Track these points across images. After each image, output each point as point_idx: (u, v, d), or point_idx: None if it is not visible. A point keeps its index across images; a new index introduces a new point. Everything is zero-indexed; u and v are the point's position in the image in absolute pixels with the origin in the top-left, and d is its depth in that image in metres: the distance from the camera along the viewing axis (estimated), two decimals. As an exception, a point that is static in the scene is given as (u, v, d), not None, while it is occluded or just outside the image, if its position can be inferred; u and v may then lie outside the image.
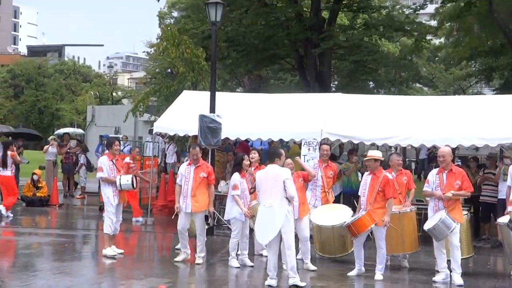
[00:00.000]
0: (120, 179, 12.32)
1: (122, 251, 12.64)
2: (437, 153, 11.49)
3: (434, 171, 11.43)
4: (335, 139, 15.56)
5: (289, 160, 11.60)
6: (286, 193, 10.20)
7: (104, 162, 12.41)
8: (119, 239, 13.78)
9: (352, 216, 11.66)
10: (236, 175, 12.07)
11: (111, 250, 12.37)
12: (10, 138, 22.40)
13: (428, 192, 11.17)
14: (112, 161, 12.49)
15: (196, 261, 11.99)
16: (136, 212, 17.27)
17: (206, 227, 12.56)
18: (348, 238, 12.17)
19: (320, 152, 13.73)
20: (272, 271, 10.34)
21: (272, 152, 10.94)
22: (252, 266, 11.90)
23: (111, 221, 12.34)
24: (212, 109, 15.57)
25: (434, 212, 11.07)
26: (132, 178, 12.43)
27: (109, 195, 12.38)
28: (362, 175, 12.98)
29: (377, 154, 11.59)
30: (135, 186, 12.63)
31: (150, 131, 19.35)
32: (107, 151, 12.69)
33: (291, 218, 10.41)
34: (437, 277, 11.10)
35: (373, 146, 16.68)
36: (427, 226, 10.97)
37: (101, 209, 19.16)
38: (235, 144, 18.52)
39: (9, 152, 17.36)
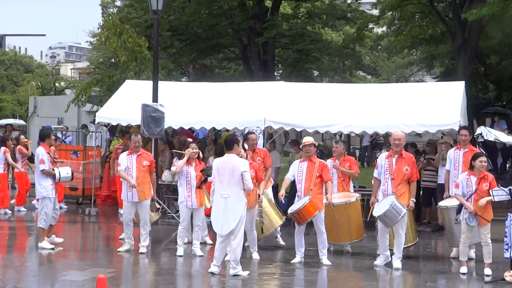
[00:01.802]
0: (59, 171, 12.17)
1: (61, 240, 12.52)
2: (392, 136, 11.57)
3: (383, 155, 11.58)
4: (278, 127, 15.66)
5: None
6: (244, 185, 10.24)
7: (43, 154, 12.22)
8: (60, 229, 13.68)
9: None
10: (179, 162, 12.05)
11: (47, 243, 12.23)
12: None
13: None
14: (48, 153, 12.34)
15: (140, 251, 11.98)
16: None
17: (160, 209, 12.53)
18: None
19: (249, 142, 13.42)
20: (217, 259, 10.40)
21: (229, 139, 10.77)
22: (201, 256, 11.86)
23: (46, 215, 12.19)
24: (155, 99, 15.49)
25: (384, 196, 11.19)
26: (72, 171, 12.32)
27: (48, 188, 12.21)
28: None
29: (313, 140, 11.70)
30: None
31: (93, 121, 19.16)
32: (41, 143, 12.44)
33: (244, 210, 10.45)
34: (378, 261, 11.31)
35: (317, 134, 16.87)
36: (377, 212, 11.04)
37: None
38: (176, 133, 18.49)
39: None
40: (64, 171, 12.28)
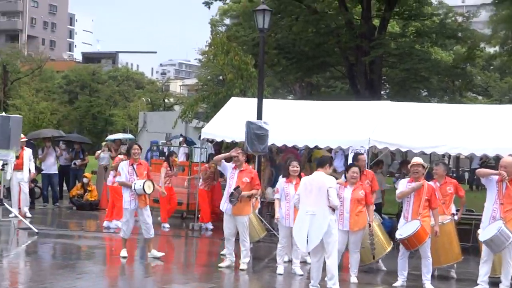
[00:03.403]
0: (135, 183, 12.46)
1: (162, 254, 12.78)
2: (500, 163, 11.09)
3: (494, 179, 11.09)
4: (383, 147, 15.42)
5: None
6: (329, 202, 10.13)
7: (123, 167, 12.64)
8: (164, 242, 13.90)
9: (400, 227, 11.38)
10: (281, 180, 12.05)
11: (125, 252, 12.56)
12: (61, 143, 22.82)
13: None
14: (133, 166, 12.64)
15: (241, 267, 12.00)
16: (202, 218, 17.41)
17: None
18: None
19: (359, 162, 13.25)
20: (314, 279, 10.30)
21: (324, 159, 10.87)
22: (301, 275, 11.78)
23: (126, 226, 12.55)
24: (260, 116, 15.57)
25: (490, 221, 10.79)
26: (144, 183, 12.46)
27: (126, 199, 12.55)
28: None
29: (422, 160, 11.44)
30: (147, 191, 12.59)
31: (199, 137, 19.46)
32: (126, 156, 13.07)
33: (335, 228, 10.32)
34: None
35: (424, 155, 16.49)
36: (483, 237, 10.68)
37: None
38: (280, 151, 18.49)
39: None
40: (137, 184, 12.47)
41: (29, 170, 18.14)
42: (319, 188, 10.20)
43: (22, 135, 18.83)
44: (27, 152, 18.15)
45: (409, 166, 11.64)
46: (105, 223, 16.82)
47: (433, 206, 11.16)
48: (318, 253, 10.24)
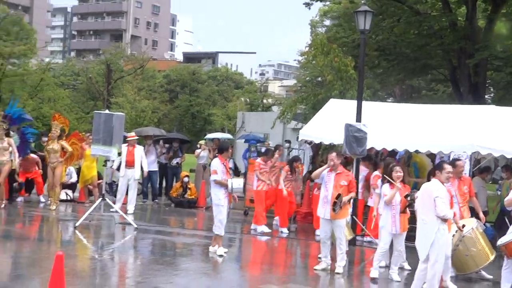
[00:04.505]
0: (232, 182, 12.69)
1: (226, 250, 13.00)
2: None
3: None
4: (487, 153, 14.96)
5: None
6: (436, 211, 9.88)
7: (217, 166, 12.80)
8: (261, 242, 13.92)
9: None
10: (385, 186, 11.86)
11: (222, 250, 12.80)
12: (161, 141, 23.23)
13: None
14: (223, 164, 12.88)
15: (336, 270, 11.89)
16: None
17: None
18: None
19: (457, 168, 12.83)
20: (415, 286, 10.14)
21: (437, 165, 10.71)
22: (398, 281, 11.59)
23: (220, 222, 12.77)
24: (359, 118, 15.40)
25: None
26: (244, 182, 12.83)
27: (220, 197, 12.75)
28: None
29: None
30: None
31: (297, 138, 19.44)
32: (219, 155, 13.11)
33: (441, 238, 10.04)
34: None
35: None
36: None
37: (246, 213, 19.53)
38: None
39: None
40: (236, 183, 12.78)
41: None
42: (428, 196, 10.03)
43: (133, 133, 19.34)
44: (139, 150, 18.58)
45: None
46: (253, 226, 16.90)
47: None
48: (425, 262, 10.01)
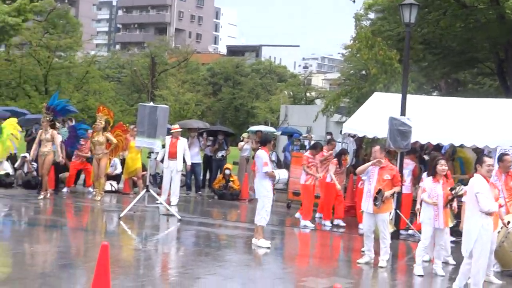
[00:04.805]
0: (279, 174, 12.95)
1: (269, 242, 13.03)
2: None
3: None
4: (533, 148, 14.70)
5: None
6: (479, 207, 9.76)
7: (267, 157, 12.92)
8: (305, 236, 13.92)
9: None
10: (427, 179, 11.75)
11: (264, 242, 12.83)
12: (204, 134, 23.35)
13: None
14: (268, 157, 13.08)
15: (379, 264, 11.84)
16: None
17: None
18: None
19: (504, 163, 12.65)
20: (459, 280, 10.09)
21: (477, 159, 10.56)
22: (443, 276, 11.50)
23: (267, 214, 12.88)
24: (403, 112, 15.27)
25: None
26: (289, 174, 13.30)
27: (269, 189, 12.91)
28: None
29: None
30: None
31: (340, 132, 19.37)
32: (263, 147, 13.21)
33: (485, 234, 9.90)
34: None
35: None
36: None
37: (289, 206, 19.53)
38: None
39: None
40: (282, 174, 13.06)
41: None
42: (471, 192, 9.93)
43: (177, 126, 19.45)
44: (182, 142, 18.69)
45: None
46: (297, 214, 16.96)
47: None
48: (469, 258, 9.92)
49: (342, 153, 17.40)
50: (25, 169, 19.62)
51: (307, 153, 17.00)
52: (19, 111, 25.64)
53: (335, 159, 16.94)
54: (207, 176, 23.22)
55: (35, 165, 19.19)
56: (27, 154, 19.64)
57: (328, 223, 16.69)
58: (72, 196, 18.91)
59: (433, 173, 11.64)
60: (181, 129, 19.20)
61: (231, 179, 21.25)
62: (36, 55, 45.70)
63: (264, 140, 13.51)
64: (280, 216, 18.12)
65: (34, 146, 17.87)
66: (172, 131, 18.55)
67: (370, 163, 12.21)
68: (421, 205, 11.90)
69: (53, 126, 17.80)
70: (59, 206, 17.29)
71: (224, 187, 21.10)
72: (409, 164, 15.79)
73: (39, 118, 19.77)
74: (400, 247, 14.36)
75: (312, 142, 19.78)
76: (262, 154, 12.95)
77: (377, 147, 12.17)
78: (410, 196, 15.72)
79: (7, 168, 19.44)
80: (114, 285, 7.69)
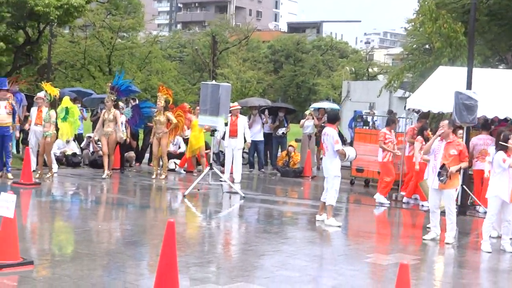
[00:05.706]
0: (348, 151, 12.89)
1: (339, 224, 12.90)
2: None
3: None
4: None
5: None
6: None
7: (336, 135, 12.75)
8: (368, 212, 13.82)
9: None
10: (500, 153, 11.41)
11: (334, 221, 12.73)
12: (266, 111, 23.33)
13: None
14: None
15: (446, 240, 11.68)
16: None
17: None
18: None
19: None
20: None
21: None
22: (511, 252, 11.25)
23: (336, 193, 12.87)
24: (469, 86, 14.94)
25: None
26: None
27: (338, 167, 12.84)
28: None
29: None
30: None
31: (404, 107, 19.10)
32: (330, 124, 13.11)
33: None
34: None
35: None
36: None
37: (352, 183, 19.43)
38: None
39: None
40: (351, 152, 13.07)
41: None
42: None
43: (236, 104, 19.49)
44: (242, 120, 18.76)
45: None
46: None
47: None
48: None
49: (424, 129, 16.65)
50: (91, 149, 19.98)
51: (384, 129, 16.75)
52: (85, 91, 26.07)
53: (419, 136, 16.25)
54: (268, 154, 23.22)
55: (100, 144, 19.52)
56: (92, 134, 19.99)
57: (426, 203, 15.00)
58: (137, 175, 19.18)
59: (502, 147, 11.31)
60: (240, 107, 19.19)
61: (294, 156, 21.22)
62: (99, 36, 46.32)
63: (333, 118, 13.35)
64: (343, 192, 18.00)
65: (98, 125, 18.20)
66: (231, 109, 18.59)
67: (433, 139, 12.01)
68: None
69: (116, 106, 18.04)
70: (125, 184, 17.56)
71: (287, 164, 21.08)
72: (488, 139, 15.38)
73: (103, 97, 20.04)
74: (467, 223, 14.13)
75: (376, 118, 19.56)
76: (332, 132, 12.74)
77: (446, 121, 11.95)
78: (481, 173, 15.24)
79: (74, 148, 19.86)
80: (180, 261, 7.77)
